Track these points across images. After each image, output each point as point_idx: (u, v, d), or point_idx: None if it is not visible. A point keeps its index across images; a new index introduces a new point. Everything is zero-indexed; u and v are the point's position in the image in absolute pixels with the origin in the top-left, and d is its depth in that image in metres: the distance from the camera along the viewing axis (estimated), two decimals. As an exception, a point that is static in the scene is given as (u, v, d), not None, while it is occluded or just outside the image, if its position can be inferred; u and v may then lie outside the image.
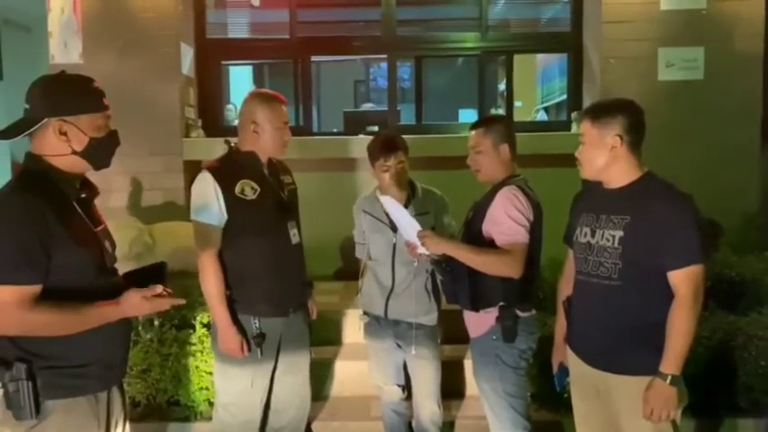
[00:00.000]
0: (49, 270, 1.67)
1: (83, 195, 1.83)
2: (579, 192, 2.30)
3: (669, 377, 1.92)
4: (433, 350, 2.75)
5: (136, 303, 1.76)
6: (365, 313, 2.83)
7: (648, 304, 1.99)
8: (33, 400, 1.67)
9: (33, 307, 1.65)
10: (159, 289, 1.80)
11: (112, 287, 1.83)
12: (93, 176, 1.91)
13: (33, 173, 1.73)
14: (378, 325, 2.78)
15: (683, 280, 1.93)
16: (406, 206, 2.69)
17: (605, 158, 2.03)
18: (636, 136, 2.03)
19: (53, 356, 1.70)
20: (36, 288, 1.66)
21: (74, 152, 1.75)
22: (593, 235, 2.08)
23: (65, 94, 1.76)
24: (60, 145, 1.73)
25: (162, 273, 1.96)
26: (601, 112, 2.05)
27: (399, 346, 2.75)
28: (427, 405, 2.76)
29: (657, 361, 1.94)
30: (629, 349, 2.01)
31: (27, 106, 1.74)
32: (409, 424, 2.91)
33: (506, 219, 2.29)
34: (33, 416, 1.67)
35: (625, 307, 2.01)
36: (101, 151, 1.80)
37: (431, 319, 2.72)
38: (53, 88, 1.76)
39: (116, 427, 1.89)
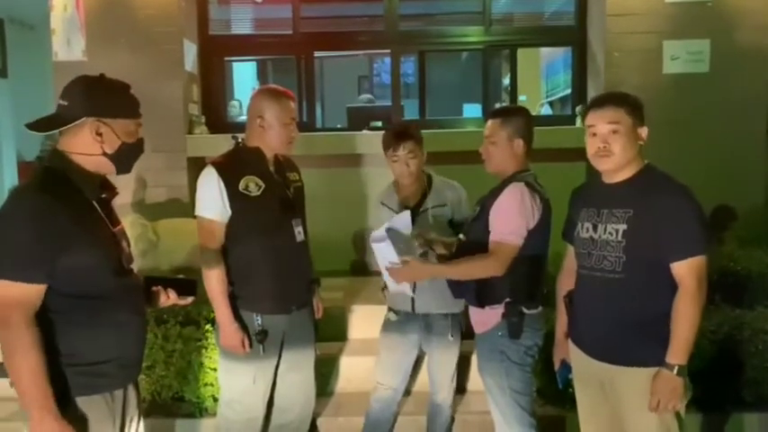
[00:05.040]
0: (72, 270, 1.68)
1: (103, 195, 1.85)
2: (576, 187, 2.29)
3: (676, 368, 1.93)
4: (457, 337, 2.76)
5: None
6: (393, 311, 2.81)
7: (653, 296, 1.99)
8: None
9: (30, 317, 1.63)
10: None
11: (130, 287, 1.86)
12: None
13: (57, 171, 1.75)
14: (406, 321, 2.76)
15: (687, 271, 1.94)
16: (421, 200, 2.69)
17: (635, 150, 2.04)
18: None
19: (71, 354, 1.71)
20: (39, 288, 1.65)
21: (104, 153, 1.78)
22: (594, 230, 2.08)
23: (106, 96, 1.80)
24: (93, 145, 1.76)
25: (192, 291, 2.05)
26: (633, 104, 2.04)
27: (423, 339, 2.75)
28: (446, 385, 2.80)
29: (663, 352, 1.95)
30: (635, 341, 2.02)
31: (65, 103, 1.76)
32: (393, 421, 2.91)
33: (503, 218, 2.28)
34: None
35: (630, 300, 2.01)
36: (128, 156, 1.85)
37: (458, 306, 2.69)
38: (96, 89, 1.79)
39: (131, 424, 1.91)
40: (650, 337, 1.99)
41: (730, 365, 3.07)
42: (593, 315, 2.12)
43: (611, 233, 2.03)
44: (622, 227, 2.00)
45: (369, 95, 7.45)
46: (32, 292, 1.65)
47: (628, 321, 2.02)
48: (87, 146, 1.76)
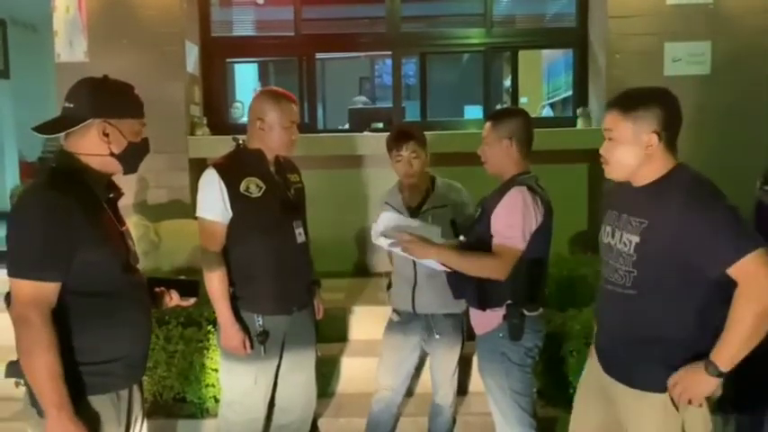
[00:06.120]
0: (83, 267, 1.69)
1: (110, 195, 1.87)
2: (610, 185, 2.10)
3: (714, 367, 1.74)
4: (458, 337, 2.77)
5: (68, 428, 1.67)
6: (396, 312, 2.84)
7: (662, 317, 1.83)
8: None
9: (48, 316, 1.64)
10: None
11: (137, 285, 1.88)
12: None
13: (67, 171, 1.77)
14: (408, 321, 2.77)
15: (738, 273, 1.70)
16: (423, 201, 2.71)
17: (640, 158, 1.83)
18: (673, 130, 1.86)
19: (78, 354, 1.72)
20: (55, 286, 1.66)
21: (111, 154, 1.80)
22: (612, 236, 1.93)
23: (112, 97, 1.82)
24: (100, 145, 1.79)
25: (195, 292, 2.10)
26: (638, 105, 1.84)
27: (424, 340, 2.76)
28: (446, 384, 2.82)
29: (666, 379, 1.83)
30: (639, 363, 1.90)
31: (70, 105, 1.78)
32: (394, 423, 2.92)
33: (506, 222, 2.28)
34: None
35: (637, 319, 1.87)
36: (135, 156, 1.87)
37: (459, 306, 2.68)
38: (101, 90, 1.81)
39: (135, 424, 1.92)
40: (655, 360, 1.85)
41: (738, 365, 3.05)
42: (604, 328, 2.04)
43: (625, 243, 1.86)
44: (635, 239, 1.82)
45: (364, 98, 7.49)
46: (49, 291, 1.66)
47: (633, 341, 1.89)
48: (95, 146, 1.78)
